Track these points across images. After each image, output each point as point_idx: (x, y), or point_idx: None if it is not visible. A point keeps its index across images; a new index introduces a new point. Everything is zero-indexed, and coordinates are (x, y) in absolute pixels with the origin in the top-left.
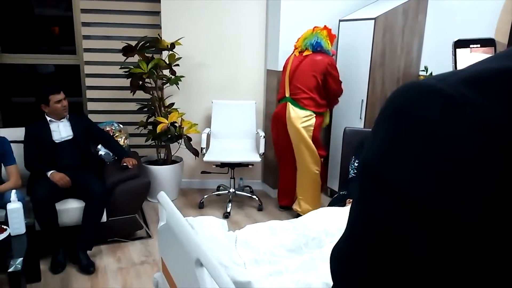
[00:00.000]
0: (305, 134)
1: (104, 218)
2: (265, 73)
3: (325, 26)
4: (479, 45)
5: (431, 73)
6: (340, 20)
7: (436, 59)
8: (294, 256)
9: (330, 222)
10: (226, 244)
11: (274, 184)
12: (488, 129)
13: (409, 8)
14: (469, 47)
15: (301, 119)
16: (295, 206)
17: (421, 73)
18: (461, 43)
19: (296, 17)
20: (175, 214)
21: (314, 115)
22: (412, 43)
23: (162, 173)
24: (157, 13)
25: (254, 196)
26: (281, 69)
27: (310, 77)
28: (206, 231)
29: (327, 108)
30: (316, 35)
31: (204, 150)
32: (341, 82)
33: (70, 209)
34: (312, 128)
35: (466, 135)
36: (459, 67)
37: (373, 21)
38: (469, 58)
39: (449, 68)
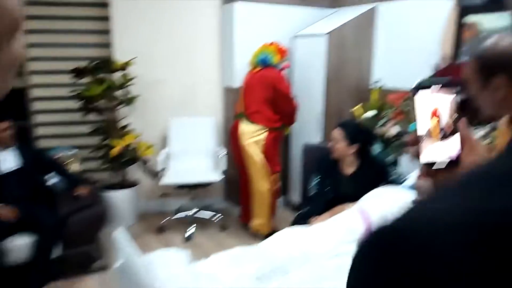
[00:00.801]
0: (253, 149)
1: (59, 252)
2: (222, 89)
3: (272, 42)
4: (439, 86)
5: (382, 86)
6: (294, 36)
7: (386, 70)
8: (262, 285)
9: (294, 246)
10: (188, 285)
11: (237, 201)
12: None
13: (359, 22)
14: (429, 88)
15: (250, 134)
16: (250, 224)
17: (373, 85)
18: (421, 85)
19: (249, 34)
20: (130, 256)
21: (266, 129)
22: (363, 56)
23: (118, 198)
24: (107, 32)
25: (217, 216)
26: (237, 85)
27: (259, 91)
28: (164, 271)
29: (285, 123)
30: (263, 51)
31: (162, 172)
32: (292, 97)
33: (20, 246)
34: (264, 142)
35: None
36: (421, 110)
37: (326, 36)
38: (429, 100)
39: (399, 80)
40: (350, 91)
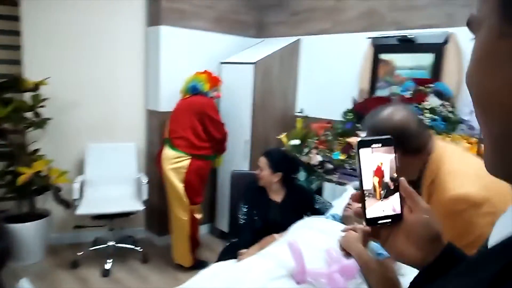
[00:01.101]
0: (173, 176)
1: None
2: (145, 113)
3: (205, 70)
4: (380, 145)
5: (306, 115)
6: (221, 62)
7: (309, 100)
8: None
9: (223, 284)
10: None
11: (159, 231)
12: None
13: (284, 54)
14: (370, 147)
15: (170, 160)
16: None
17: (297, 114)
18: (363, 144)
19: (176, 58)
20: None
21: (188, 157)
22: (288, 85)
23: (26, 230)
24: (17, 47)
25: (138, 248)
26: (163, 110)
27: (185, 117)
28: None
29: (213, 152)
30: (194, 78)
31: (77, 201)
32: (222, 124)
33: None
34: (185, 170)
35: None
36: (363, 167)
37: (253, 65)
38: (371, 158)
39: (321, 110)
40: (276, 119)
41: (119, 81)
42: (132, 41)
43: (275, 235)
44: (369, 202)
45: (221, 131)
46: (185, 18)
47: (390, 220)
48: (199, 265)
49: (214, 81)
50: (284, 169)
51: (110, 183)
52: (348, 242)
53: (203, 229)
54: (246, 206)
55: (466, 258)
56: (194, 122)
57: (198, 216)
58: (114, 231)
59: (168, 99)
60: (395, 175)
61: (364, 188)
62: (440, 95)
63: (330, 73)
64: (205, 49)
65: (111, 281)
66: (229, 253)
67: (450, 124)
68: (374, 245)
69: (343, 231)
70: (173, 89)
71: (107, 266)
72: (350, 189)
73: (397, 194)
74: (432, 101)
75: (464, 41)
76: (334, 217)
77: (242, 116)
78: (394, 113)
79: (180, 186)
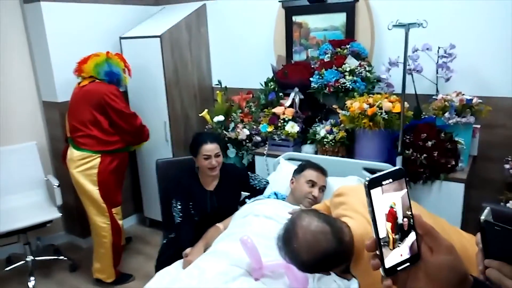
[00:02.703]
0: (82, 180)
1: None
2: (41, 106)
3: (117, 53)
4: (391, 180)
5: (226, 86)
6: (121, 38)
7: (225, 70)
8: None
9: None
10: None
11: (82, 232)
12: None
13: (191, 22)
14: (381, 185)
15: (76, 162)
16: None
17: (215, 86)
18: (373, 183)
19: (66, 37)
20: None
21: (97, 155)
22: (200, 56)
23: None
24: None
25: (62, 257)
26: (62, 99)
27: (85, 111)
28: None
29: (127, 144)
30: (113, 63)
31: None
32: (131, 114)
33: None
34: (96, 171)
35: None
36: (377, 212)
37: (159, 38)
38: (382, 200)
39: (239, 80)
40: (193, 94)
41: (2, 73)
42: (7, 23)
43: (219, 226)
44: (385, 252)
45: (132, 123)
46: None
47: (408, 263)
48: (122, 279)
49: (124, 62)
50: (223, 149)
51: (15, 192)
52: None
53: (131, 221)
54: (180, 203)
55: None
56: (95, 116)
57: (119, 220)
58: (30, 245)
59: (66, 86)
60: (409, 212)
61: (380, 236)
62: (356, 55)
63: (243, 40)
64: (99, 24)
65: None
66: (169, 250)
67: (369, 84)
68: None
69: (290, 213)
70: (70, 74)
71: (31, 284)
72: (282, 161)
73: (413, 233)
74: (350, 62)
75: None
76: (276, 196)
77: (155, 96)
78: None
79: (93, 189)
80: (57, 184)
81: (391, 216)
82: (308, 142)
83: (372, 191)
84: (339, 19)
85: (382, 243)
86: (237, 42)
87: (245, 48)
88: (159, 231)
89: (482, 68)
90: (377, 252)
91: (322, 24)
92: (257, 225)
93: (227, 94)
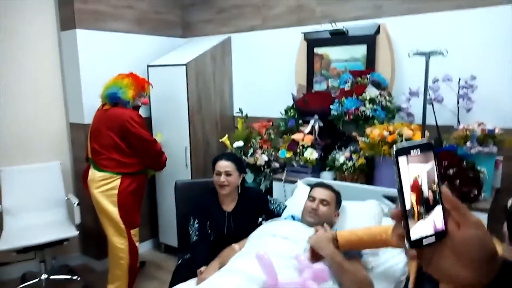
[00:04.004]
0: (102, 200)
1: None
2: (68, 127)
3: (131, 73)
4: (419, 151)
5: (246, 114)
6: (148, 66)
7: (246, 100)
8: None
9: None
10: None
11: (97, 255)
12: None
13: (216, 53)
14: (409, 154)
15: (97, 182)
16: None
17: (236, 114)
18: (401, 151)
19: (97, 63)
20: None
21: (117, 176)
22: (223, 86)
23: None
24: None
25: (76, 277)
26: (88, 122)
27: (106, 135)
28: None
29: (145, 167)
30: (114, 84)
31: None
32: (150, 140)
33: None
34: (116, 191)
35: None
36: (404, 180)
37: (184, 67)
38: (408, 170)
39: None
40: (214, 121)
41: (33, 94)
42: (45, 48)
43: (235, 246)
44: (410, 222)
45: (153, 148)
46: (102, 20)
47: (434, 238)
48: None
49: (141, 85)
50: (244, 170)
51: (35, 209)
52: (319, 243)
53: (145, 246)
54: (198, 221)
55: None
56: (116, 140)
57: (137, 243)
58: (45, 263)
59: (93, 109)
60: (435, 186)
61: (407, 206)
62: (377, 85)
63: (265, 70)
64: (129, 52)
65: None
66: (183, 271)
67: (389, 113)
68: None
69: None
70: (98, 98)
71: None
72: (300, 185)
73: (438, 208)
74: (370, 91)
75: (393, 31)
76: (293, 218)
77: (178, 122)
78: None
79: (113, 210)
80: (77, 203)
81: (416, 187)
82: (327, 168)
83: (400, 157)
84: (360, 50)
85: (408, 214)
86: (259, 72)
87: (266, 78)
88: (174, 257)
89: (505, 99)
90: (404, 223)
91: (343, 56)
92: (274, 244)
93: (248, 122)
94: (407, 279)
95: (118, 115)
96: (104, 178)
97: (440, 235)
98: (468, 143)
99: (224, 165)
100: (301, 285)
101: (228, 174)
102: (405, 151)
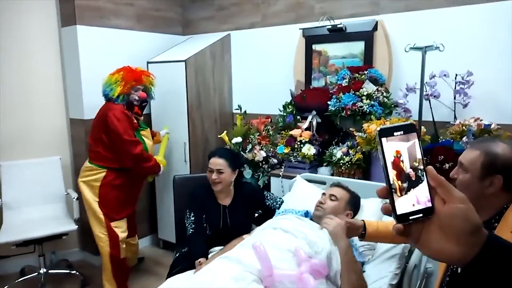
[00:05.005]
0: (84, 189)
1: None
2: (68, 122)
3: (124, 67)
4: (402, 132)
5: (245, 111)
6: (148, 62)
7: (245, 96)
8: None
9: None
10: None
11: (96, 250)
12: None
13: (215, 49)
14: (392, 135)
15: (83, 172)
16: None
17: (235, 111)
18: (384, 132)
19: (98, 60)
20: None
21: (102, 170)
22: (223, 82)
23: None
24: None
25: (74, 271)
26: (88, 117)
27: (95, 129)
28: None
29: (128, 167)
30: (106, 81)
31: None
32: (130, 140)
33: None
34: (99, 184)
35: None
36: (388, 159)
37: (184, 63)
38: (389, 148)
39: (258, 105)
40: (213, 118)
41: (34, 89)
42: (45, 44)
43: (245, 236)
44: (395, 197)
45: (127, 149)
46: (103, 17)
47: (421, 214)
48: None
49: (134, 78)
50: (239, 166)
51: (35, 204)
52: (337, 233)
53: (144, 242)
54: (194, 214)
55: None
56: (101, 134)
57: (121, 233)
58: (44, 257)
59: (94, 105)
60: (416, 164)
61: (391, 182)
62: (374, 81)
63: (264, 67)
64: (129, 49)
65: None
66: (181, 264)
67: (386, 108)
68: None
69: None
70: (98, 94)
71: None
72: (299, 180)
73: (423, 185)
74: (368, 87)
75: (391, 27)
76: (307, 214)
77: (177, 117)
78: (510, 149)
79: (93, 200)
80: (76, 197)
81: (395, 164)
82: (325, 164)
83: (383, 138)
84: (358, 47)
85: (393, 189)
86: (258, 69)
87: (265, 75)
88: (172, 253)
89: (501, 94)
90: (389, 198)
91: (341, 52)
92: (273, 236)
93: (246, 118)
94: (402, 272)
95: (104, 110)
96: (89, 169)
97: (427, 212)
98: (464, 138)
99: (216, 162)
100: (297, 278)
101: (220, 172)
102: (389, 132)
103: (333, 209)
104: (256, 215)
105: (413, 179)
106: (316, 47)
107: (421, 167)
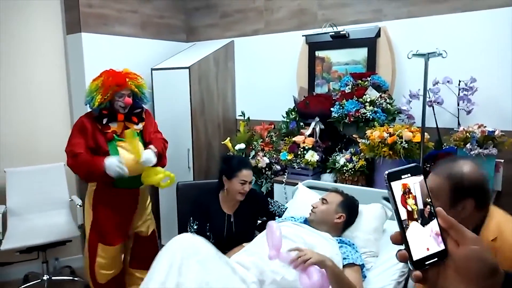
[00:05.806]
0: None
1: None
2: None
3: (104, 71)
4: (409, 175)
5: (248, 117)
6: (152, 69)
7: (249, 102)
8: None
9: None
10: None
11: None
12: None
13: (219, 56)
14: (401, 178)
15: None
16: None
17: (238, 117)
18: (393, 176)
19: (102, 66)
20: None
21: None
22: (226, 89)
23: None
24: None
25: (77, 278)
26: None
27: None
28: None
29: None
30: (88, 91)
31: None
32: (70, 149)
33: None
34: (92, 196)
35: None
36: (398, 201)
37: (188, 69)
38: (398, 189)
39: (261, 111)
40: (217, 124)
41: (39, 96)
42: (50, 51)
43: (245, 244)
44: (412, 240)
45: (68, 156)
46: (108, 24)
47: (436, 258)
48: None
49: (117, 82)
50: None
51: (39, 210)
52: (320, 257)
53: None
54: (197, 222)
55: None
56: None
57: (101, 260)
58: (48, 264)
59: None
60: (428, 199)
61: (403, 223)
62: (377, 87)
63: (268, 73)
64: (133, 56)
65: None
66: None
67: (389, 115)
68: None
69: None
70: None
71: None
72: (301, 187)
73: (434, 224)
74: (371, 94)
75: (394, 34)
76: (306, 221)
77: (181, 124)
78: (474, 167)
79: (89, 211)
80: (80, 203)
81: (405, 201)
82: (328, 171)
83: (392, 183)
84: (361, 53)
85: (406, 237)
86: (261, 76)
87: (269, 82)
88: None
89: (505, 101)
90: (404, 244)
91: (344, 59)
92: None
93: (250, 125)
94: (406, 279)
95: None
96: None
97: (441, 256)
98: (468, 145)
99: (250, 174)
100: (301, 268)
101: (251, 182)
102: (397, 176)
103: (324, 213)
104: (259, 222)
105: (426, 215)
106: (319, 53)
107: (431, 204)
